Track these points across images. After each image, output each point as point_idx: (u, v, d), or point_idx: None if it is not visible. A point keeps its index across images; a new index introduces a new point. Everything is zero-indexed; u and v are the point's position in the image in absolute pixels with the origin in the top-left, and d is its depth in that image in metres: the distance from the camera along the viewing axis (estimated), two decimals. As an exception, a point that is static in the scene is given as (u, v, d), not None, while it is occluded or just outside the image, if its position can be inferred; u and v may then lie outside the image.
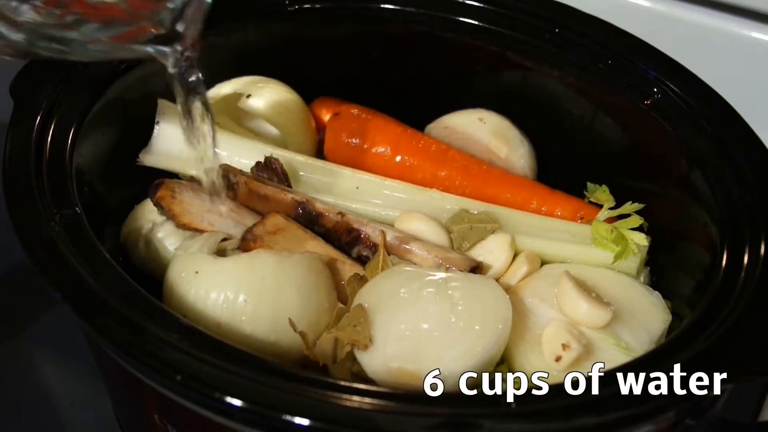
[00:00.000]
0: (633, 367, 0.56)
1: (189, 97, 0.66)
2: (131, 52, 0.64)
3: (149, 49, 0.62)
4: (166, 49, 0.63)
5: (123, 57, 0.69)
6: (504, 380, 0.64)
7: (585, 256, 0.75)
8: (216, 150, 0.70)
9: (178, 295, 0.65)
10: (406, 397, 0.53)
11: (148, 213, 0.75)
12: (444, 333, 0.62)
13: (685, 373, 0.54)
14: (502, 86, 0.89)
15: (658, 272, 0.77)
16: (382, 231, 0.73)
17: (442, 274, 0.66)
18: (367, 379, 0.62)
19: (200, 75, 0.65)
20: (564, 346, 0.63)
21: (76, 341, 0.86)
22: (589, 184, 0.83)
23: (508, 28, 0.85)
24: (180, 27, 0.61)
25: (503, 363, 0.66)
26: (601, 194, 0.81)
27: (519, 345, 0.66)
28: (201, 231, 0.72)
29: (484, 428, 0.51)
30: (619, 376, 0.54)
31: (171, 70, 0.64)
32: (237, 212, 0.74)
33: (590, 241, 0.76)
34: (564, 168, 0.88)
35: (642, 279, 0.76)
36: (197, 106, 0.67)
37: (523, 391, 0.53)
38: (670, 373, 0.54)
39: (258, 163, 0.78)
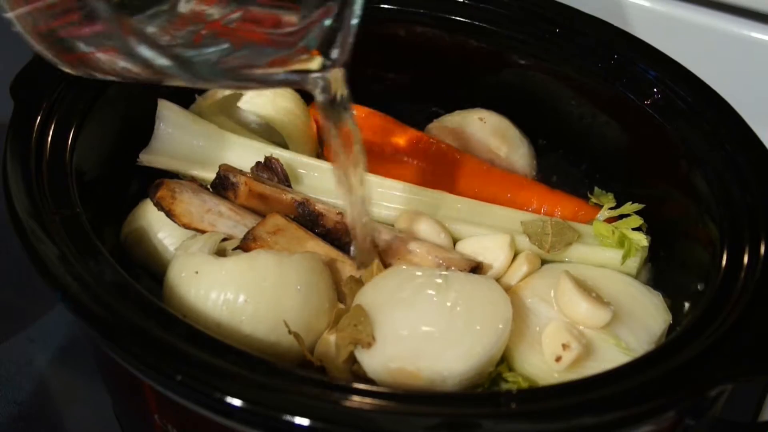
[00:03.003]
0: (633, 367, 0.56)
1: (337, 126, 0.63)
2: (272, 78, 0.60)
3: (294, 76, 0.59)
4: (317, 75, 0.59)
5: (261, 85, 0.66)
6: (504, 380, 0.65)
7: (585, 256, 0.75)
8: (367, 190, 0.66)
9: (178, 295, 0.65)
10: (406, 397, 0.53)
11: (148, 213, 0.75)
12: (444, 333, 0.62)
13: (684, 373, 0.54)
14: (502, 86, 0.89)
15: (659, 271, 0.77)
16: (373, 240, 0.73)
17: (442, 274, 0.66)
18: (367, 379, 0.62)
19: (349, 104, 0.62)
20: (564, 346, 0.63)
21: (76, 341, 0.87)
22: (596, 189, 0.83)
23: (508, 28, 0.85)
24: (333, 53, 0.59)
25: (503, 363, 0.66)
26: (604, 198, 0.81)
27: (519, 345, 0.66)
28: (201, 231, 0.72)
29: (484, 428, 0.51)
30: (619, 376, 0.54)
31: (319, 98, 0.61)
32: (237, 212, 0.74)
33: (590, 241, 0.76)
34: (564, 168, 0.88)
35: (642, 279, 0.76)
36: (348, 139, 0.63)
37: (523, 391, 0.53)
38: (670, 373, 0.54)
39: (258, 163, 0.78)
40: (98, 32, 0.57)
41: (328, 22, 0.57)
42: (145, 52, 0.56)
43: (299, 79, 0.59)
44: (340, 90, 0.61)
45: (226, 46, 0.57)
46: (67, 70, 0.62)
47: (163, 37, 0.56)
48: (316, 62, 0.58)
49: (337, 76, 0.60)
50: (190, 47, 0.57)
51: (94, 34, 0.57)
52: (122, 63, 0.58)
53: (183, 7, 0.56)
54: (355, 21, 0.57)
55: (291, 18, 0.58)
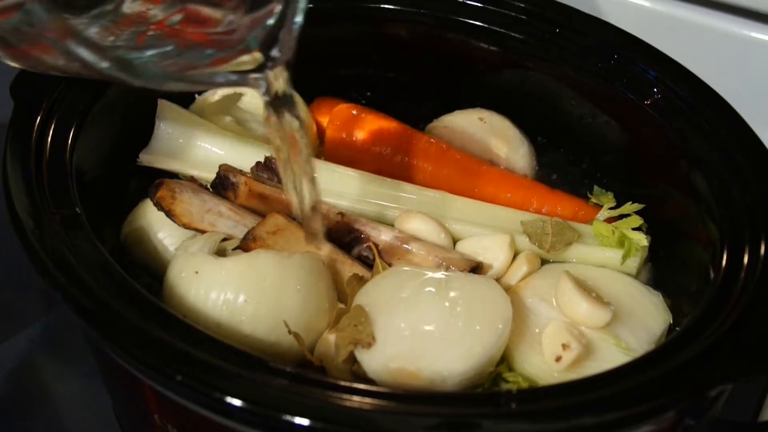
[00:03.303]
0: (633, 367, 0.56)
1: (283, 126, 0.61)
2: (212, 79, 0.59)
3: (234, 77, 0.58)
4: (256, 75, 0.58)
5: (202, 86, 0.64)
6: (504, 380, 0.65)
7: (585, 255, 0.75)
8: (317, 184, 0.65)
9: (178, 295, 0.65)
10: (406, 397, 0.53)
11: (148, 213, 0.75)
12: (444, 333, 0.62)
13: (684, 373, 0.54)
14: (502, 86, 0.89)
15: (659, 271, 0.77)
16: (375, 246, 0.73)
17: (442, 274, 0.66)
18: (367, 379, 0.62)
19: (296, 107, 0.60)
20: (564, 346, 0.63)
21: (76, 341, 0.87)
22: (596, 188, 0.83)
23: (508, 28, 0.85)
24: (274, 52, 0.57)
25: (503, 363, 0.66)
26: (604, 197, 0.81)
27: (519, 345, 0.66)
28: (201, 231, 0.72)
29: (484, 428, 0.51)
30: (619, 376, 0.54)
31: (262, 97, 0.59)
32: (237, 212, 0.74)
33: (590, 241, 0.76)
34: (564, 168, 0.88)
35: (642, 278, 0.76)
36: (293, 137, 0.61)
37: (523, 391, 0.53)
38: (670, 373, 0.54)
39: (258, 163, 0.78)
40: (37, 33, 0.56)
41: (270, 21, 0.56)
42: (84, 53, 0.55)
43: (240, 79, 0.58)
44: (283, 90, 0.59)
45: (168, 48, 0.57)
46: (12, 63, 0.62)
47: (106, 38, 0.56)
48: (253, 62, 0.57)
49: (278, 75, 0.58)
50: (132, 49, 0.56)
51: (34, 34, 0.57)
52: (62, 61, 0.58)
53: (128, 8, 0.56)
54: (298, 19, 0.56)
55: (234, 18, 0.57)
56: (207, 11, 0.58)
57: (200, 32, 0.58)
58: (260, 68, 0.58)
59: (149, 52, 0.57)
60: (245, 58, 0.57)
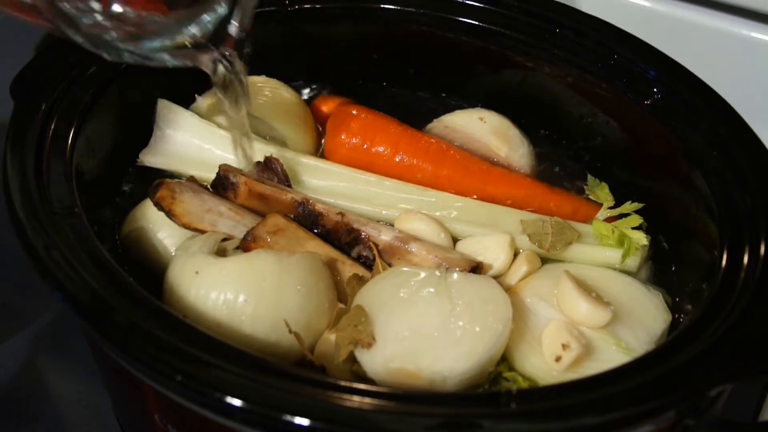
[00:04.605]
0: (633, 367, 0.56)
1: (230, 100, 0.68)
2: (172, 57, 0.63)
3: (186, 53, 0.62)
4: (212, 52, 0.63)
5: (161, 63, 0.68)
6: (504, 380, 0.65)
7: (585, 255, 0.75)
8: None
9: (178, 295, 0.65)
10: (406, 397, 0.53)
11: (148, 213, 0.75)
12: (444, 333, 0.62)
13: (684, 373, 0.54)
14: (502, 86, 0.89)
15: (659, 271, 0.77)
16: (375, 246, 0.73)
17: (442, 274, 0.66)
18: (367, 379, 0.62)
19: (244, 79, 0.67)
20: (564, 346, 0.63)
21: (76, 341, 0.87)
22: (590, 177, 0.83)
23: (508, 28, 0.85)
24: (231, 28, 0.63)
25: (503, 362, 0.66)
26: (601, 192, 0.82)
27: (519, 345, 0.66)
28: (201, 231, 0.72)
29: (484, 428, 0.51)
30: (619, 376, 0.54)
31: (212, 76, 0.64)
32: (237, 212, 0.74)
33: (590, 240, 0.76)
34: (564, 167, 0.88)
35: (642, 277, 0.76)
36: (238, 108, 0.70)
37: (523, 391, 0.53)
38: (670, 373, 0.54)
39: (258, 163, 0.78)
40: None
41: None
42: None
43: (193, 57, 0.63)
44: (238, 75, 0.66)
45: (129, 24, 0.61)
46: None
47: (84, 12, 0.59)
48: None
49: (236, 63, 0.64)
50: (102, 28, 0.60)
51: None
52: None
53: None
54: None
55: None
56: None
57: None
58: (211, 48, 0.62)
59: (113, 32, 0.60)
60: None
